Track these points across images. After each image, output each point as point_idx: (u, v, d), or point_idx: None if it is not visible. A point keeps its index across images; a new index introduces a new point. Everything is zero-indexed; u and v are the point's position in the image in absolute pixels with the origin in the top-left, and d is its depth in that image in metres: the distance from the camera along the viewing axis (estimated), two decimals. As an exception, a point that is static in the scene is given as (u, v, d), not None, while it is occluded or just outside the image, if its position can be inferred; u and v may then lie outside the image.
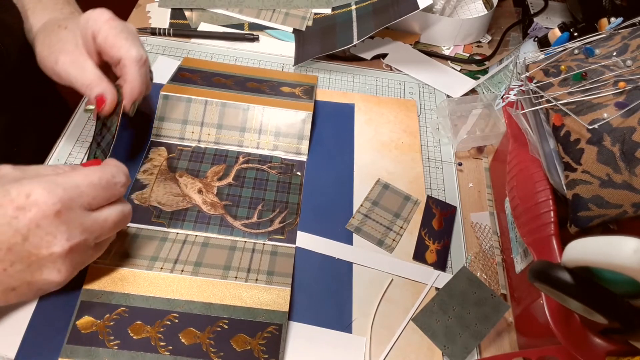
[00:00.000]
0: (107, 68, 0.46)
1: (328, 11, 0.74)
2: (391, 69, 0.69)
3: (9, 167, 0.36)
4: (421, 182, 0.56)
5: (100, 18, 0.43)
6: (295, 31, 0.72)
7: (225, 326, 0.42)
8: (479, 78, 0.69)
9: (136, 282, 0.44)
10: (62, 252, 0.34)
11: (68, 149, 0.54)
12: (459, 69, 0.71)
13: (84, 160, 0.50)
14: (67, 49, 0.42)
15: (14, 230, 0.32)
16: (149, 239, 0.47)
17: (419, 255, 0.50)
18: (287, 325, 0.44)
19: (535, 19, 0.77)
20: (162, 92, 0.55)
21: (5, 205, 0.32)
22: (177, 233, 0.48)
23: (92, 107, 0.45)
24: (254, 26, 0.72)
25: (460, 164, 0.60)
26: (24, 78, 0.51)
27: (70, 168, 0.38)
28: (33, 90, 0.53)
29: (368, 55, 0.70)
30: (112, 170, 0.38)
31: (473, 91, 0.67)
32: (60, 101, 0.60)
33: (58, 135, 0.55)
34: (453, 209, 0.55)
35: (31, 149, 0.53)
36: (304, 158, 0.56)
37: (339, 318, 0.45)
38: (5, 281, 0.34)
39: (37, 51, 0.45)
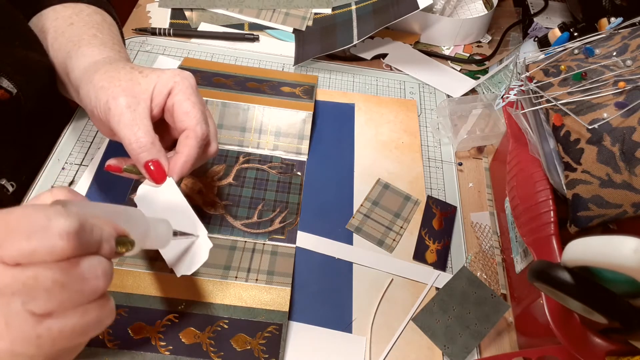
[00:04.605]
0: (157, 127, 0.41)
1: (328, 11, 0.74)
2: (391, 69, 0.69)
3: None
4: (421, 182, 0.56)
5: (182, 75, 0.40)
6: (295, 31, 0.72)
7: (226, 326, 0.42)
8: (479, 78, 0.69)
9: (136, 282, 0.44)
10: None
11: (68, 149, 0.54)
12: (459, 69, 0.71)
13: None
14: (134, 93, 0.38)
15: None
16: (149, 238, 0.47)
17: (419, 255, 0.50)
18: (287, 325, 0.44)
19: (535, 19, 0.77)
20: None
21: None
22: (177, 233, 0.48)
23: (132, 167, 0.40)
24: (254, 26, 0.72)
25: (460, 164, 0.60)
26: (44, 108, 0.51)
27: None
28: (49, 112, 0.53)
29: (368, 55, 0.70)
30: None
31: (473, 91, 0.67)
32: (63, 102, 0.61)
33: (59, 135, 0.55)
34: (453, 209, 0.55)
35: (42, 152, 0.54)
36: (304, 158, 0.56)
37: (339, 318, 0.45)
38: None
39: (93, 80, 0.40)
